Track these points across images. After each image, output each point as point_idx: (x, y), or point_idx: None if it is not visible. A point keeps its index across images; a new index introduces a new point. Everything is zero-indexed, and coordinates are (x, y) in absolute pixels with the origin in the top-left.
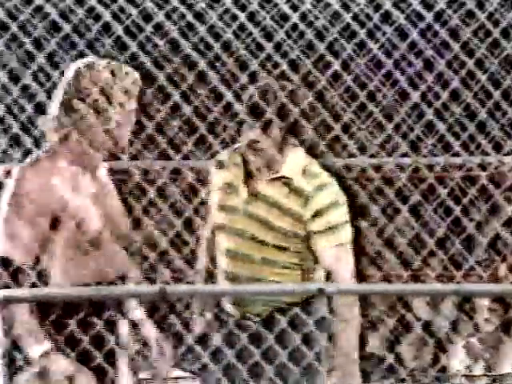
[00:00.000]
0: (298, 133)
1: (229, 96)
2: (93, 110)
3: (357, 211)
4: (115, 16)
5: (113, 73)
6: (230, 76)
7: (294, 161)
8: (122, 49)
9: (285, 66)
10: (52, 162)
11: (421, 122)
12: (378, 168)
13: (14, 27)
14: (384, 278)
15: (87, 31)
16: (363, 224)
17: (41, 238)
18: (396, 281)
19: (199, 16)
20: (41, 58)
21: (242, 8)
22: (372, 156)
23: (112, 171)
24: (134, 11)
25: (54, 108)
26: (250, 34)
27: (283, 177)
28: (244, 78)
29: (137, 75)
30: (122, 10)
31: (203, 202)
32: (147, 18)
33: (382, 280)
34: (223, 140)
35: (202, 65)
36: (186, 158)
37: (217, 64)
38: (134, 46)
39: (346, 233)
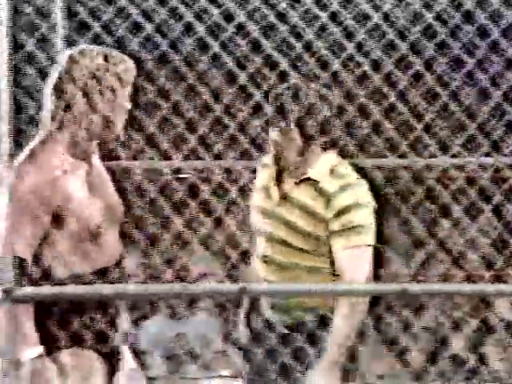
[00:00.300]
0: (326, 134)
1: (311, 96)
2: (84, 94)
3: (439, 211)
4: (197, 16)
5: (106, 59)
6: (312, 76)
7: (323, 163)
8: (204, 49)
9: (366, 66)
10: (49, 153)
11: (503, 122)
12: (460, 168)
13: (96, 27)
14: (467, 278)
15: (169, 31)
16: (445, 224)
17: (43, 234)
18: (479, 281)
19: (281, 16)
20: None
21: (324, 8)
22: (454, 156)
23: (195, 170)
24: (215, 11)
25: (47, 95)
26: (331, 33)
27: (310, 179)
28: (326, 78)
29: (131, 63)
30: (204, 10)
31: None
32: (229, 18)
33: (465, 280)
34: None
35: (284, 65)
36: None
37: (298, 64)
38: (216, 46)
39: (367, 236)
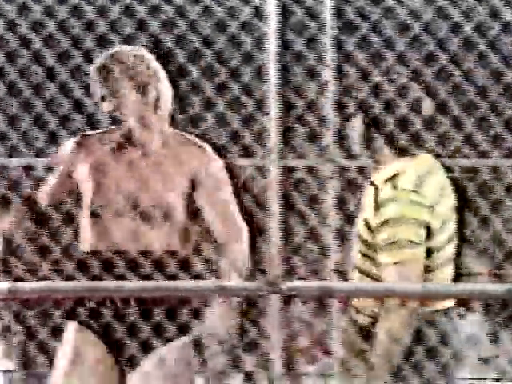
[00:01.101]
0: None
1: (443, 93)
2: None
3: None
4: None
5: (136, 57)
6: (444, 74)
7: (390, 168)
8: (339, 48)
9: (500, 64)
10: (98, 143)
11: None
12: None
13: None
14: None
15: (305, 30)
16: None
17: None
18: None
19: (416, 15)
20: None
21: (457, 6)
22: None
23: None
24: (350, 10)
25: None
26: (463, 31)
27: (372, 182)
28: (458, 76)
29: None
30: (339, 8)
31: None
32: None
33: None
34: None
35: (416, 63)
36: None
37: (431, 61)
38: (350, 44)
39: (412, 250)
